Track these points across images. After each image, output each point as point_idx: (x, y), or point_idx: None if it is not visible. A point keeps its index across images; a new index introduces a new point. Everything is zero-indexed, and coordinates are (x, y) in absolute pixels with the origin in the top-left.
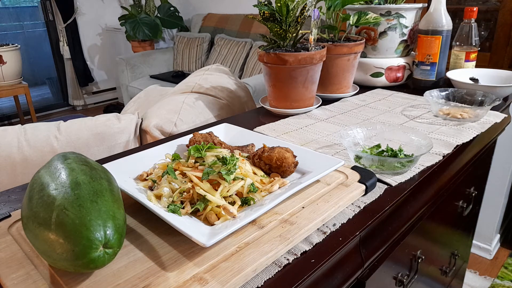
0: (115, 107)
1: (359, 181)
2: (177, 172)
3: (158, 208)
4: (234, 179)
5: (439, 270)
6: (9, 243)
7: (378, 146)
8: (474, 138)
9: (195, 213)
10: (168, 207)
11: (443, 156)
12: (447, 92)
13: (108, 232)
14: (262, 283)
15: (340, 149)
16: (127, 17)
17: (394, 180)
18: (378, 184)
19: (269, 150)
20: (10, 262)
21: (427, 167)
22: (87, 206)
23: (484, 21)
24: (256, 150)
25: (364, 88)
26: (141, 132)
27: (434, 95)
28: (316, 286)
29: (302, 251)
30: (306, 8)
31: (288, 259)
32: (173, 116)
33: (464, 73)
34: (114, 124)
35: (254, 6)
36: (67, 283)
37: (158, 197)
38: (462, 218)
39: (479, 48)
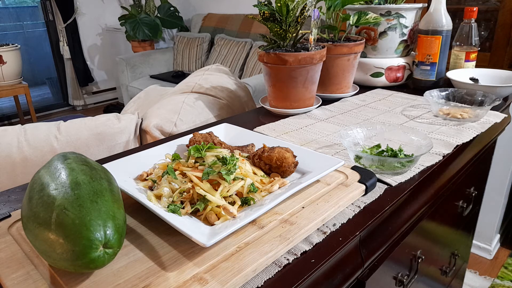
0: (115, 107)
1: (359, 181)
2: (177, 172)
3: (158, 208)
4: (234, 179)
5: (439, 270)
6: (9, 243)
7: (378, 146)
8: (474, 138)
9: (195, 213)
10: (168, 207)
11: (443, 156)
12: (447, 92)
13: (108, 232)
14: (262, 283)
15: (340, 149)
16: (127, 17)
17: (394, 180)
18: (378, 184)
19: (269, 150)
20: (10, 262)
21: (427, 167)
22: (87, 206)
23: (484, 21)
24: (256, 150)
25: (364, 88)
26: (141, 132)
27: (434, 95)
28: (316, 286)
29: (302, 251)
30: (306, 8)
31: (288, 259)
32: (173, 116)
33: (464, 73)
34: (114, 124)
35: (254, 6)
36: (67, 283)
37: (158, 197)
38: (462, 218)
39: (479, 48)
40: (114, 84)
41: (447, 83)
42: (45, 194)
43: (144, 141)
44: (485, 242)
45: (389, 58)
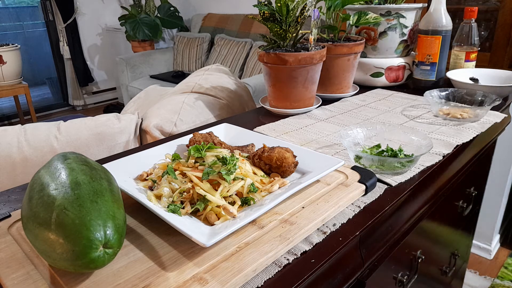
0: (115, 107)
1: (359, 181)
2: (177, 172)
3: (158, 208)
4: (234, 179)
5: (439, 270)
6: (9, 243)
7: (378, 146)
8: (474, 138)
9: (195, 213)
10: (168, 207)
11: (443, 156)
12: (447, 92)
13: (108, 232)
14: (262, 283)
15: (340, 149)
16: (127, 17)
17: (394, 180)
18: (378, 184)
19: (269, 150)
20: (10, 262)
21: (427, 167)
22: (87, 206)
23: (484, 21)
24: (256, 150)
25: (364, 88)
26: (141, 132)
27: (434, 95)
28: (316, 286)
29: (302, 251)
30: (306, 8)
31: (288, 259)
32: (173, 116)
33: (464, 73)
34: (114, 124)
35: (254, 6)
36: (67, 283)
37: (158, 197)
38: (462, 218)
39: (479, 48)
40: (114, 84)
41: (447, 83)
42: (45, 194)
43: (144, 141)
44: (485, 242)
45: (389, 58)
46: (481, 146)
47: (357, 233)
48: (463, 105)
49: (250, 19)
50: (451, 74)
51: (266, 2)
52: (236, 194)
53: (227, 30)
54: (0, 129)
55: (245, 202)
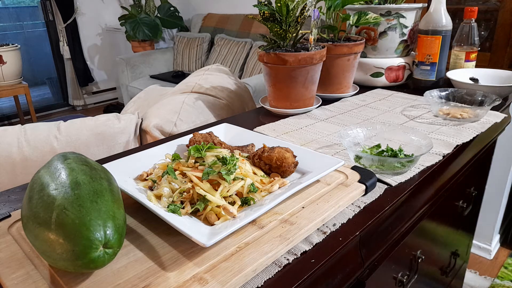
0: (115, 107)
1: (359, 181)
2: (177, 172)
3: (158, 208)
4: (234, 179)
5: (439, 270)
6: (9, 243)
7: (378, 146)
8: (474, 138)
9: (195, 213)
10: (168, 207)
11: (443, 156)
12: (447, 92)
13: (108, 232)
14: (262, 283)
15: (340, 149)
16: (127, 17)
17: (394, 180)
18: (378, 184)
19: (269, 150)
20: (10, 262)
21: (427, 167)
22: (87, 206)
23: (484, 21)
24: (256, 150)
25: (364, 88)
26: (141, 132)
27: (434, 95)
28: (316, 286)
29: (302, 251)
30: (306, 8)
31: (288, 259)
32: (173, 116)
33: (464, 73)
34: (114, 124)
35: (254, 6)
36: (67, 283)
37: (158, 197)
38: (462, 218)
39: (479, 48)
40: (114, 84)
41: (447, 83)
42: (45, 194)
43: (144, 141)
44: (485, 242)
45: (389, 58)
46: (481, 146)
47: (357, 233)
48: (463, 105)
49: (250, 19)
50: (451, 74)
51: (266, 2)
52: (236, 194)
53: (227, 30)
54: (0, 129)
55: (245, 202)
